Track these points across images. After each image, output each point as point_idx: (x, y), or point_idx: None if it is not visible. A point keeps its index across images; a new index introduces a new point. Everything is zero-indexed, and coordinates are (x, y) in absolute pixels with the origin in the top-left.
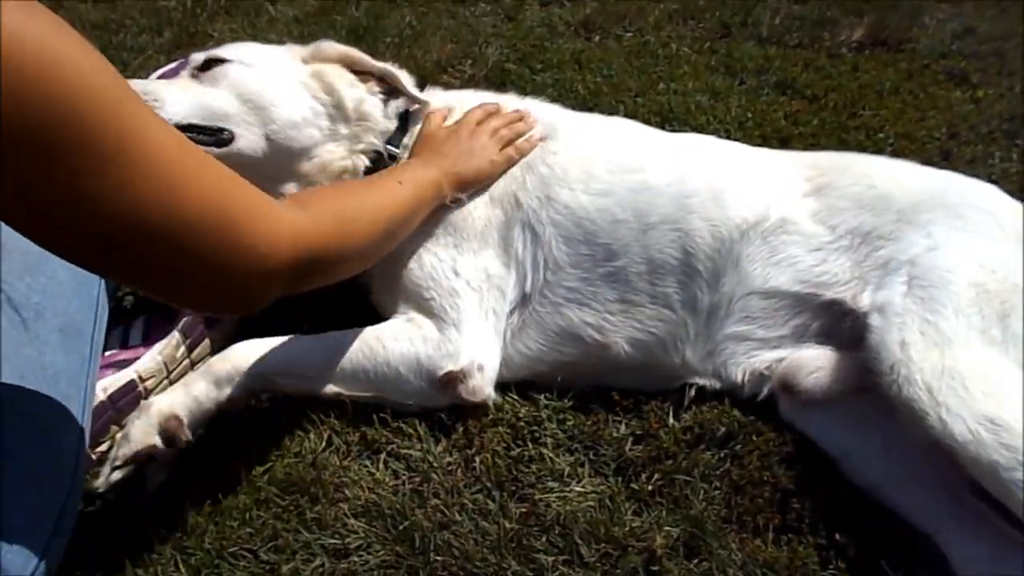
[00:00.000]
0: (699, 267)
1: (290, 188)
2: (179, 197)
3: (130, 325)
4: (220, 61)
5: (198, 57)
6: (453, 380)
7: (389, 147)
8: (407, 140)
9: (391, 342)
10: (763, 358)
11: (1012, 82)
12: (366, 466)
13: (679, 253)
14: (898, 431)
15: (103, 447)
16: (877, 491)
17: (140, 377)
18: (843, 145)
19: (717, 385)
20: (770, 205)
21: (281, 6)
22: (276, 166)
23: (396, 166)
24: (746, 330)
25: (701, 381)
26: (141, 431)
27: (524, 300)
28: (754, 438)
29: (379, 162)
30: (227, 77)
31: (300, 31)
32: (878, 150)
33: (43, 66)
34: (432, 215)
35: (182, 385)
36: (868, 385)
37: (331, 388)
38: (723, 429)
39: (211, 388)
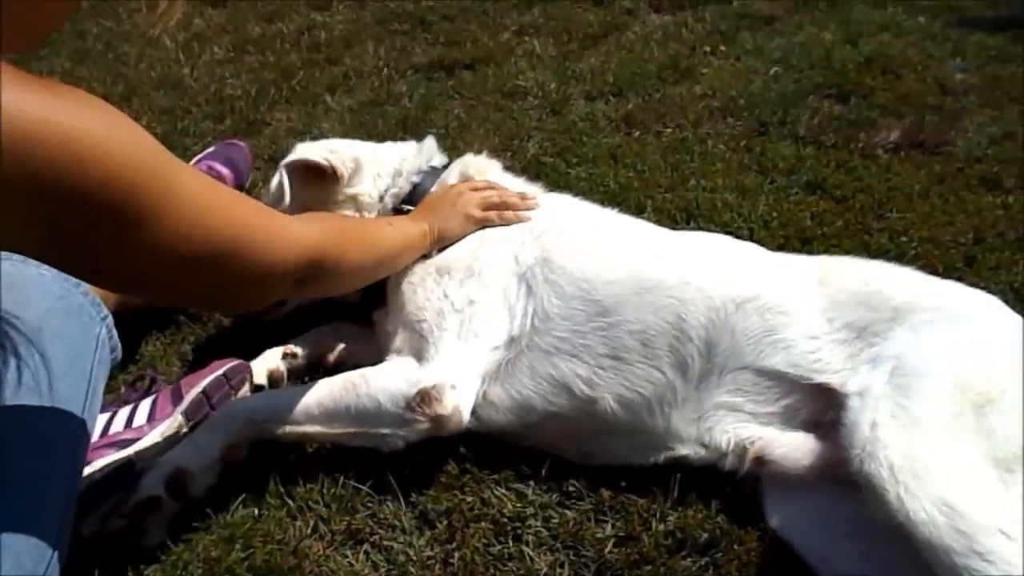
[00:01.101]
0: (692, 334)
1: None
2: (210, 232)
3: (137, 406)
4: None
5: None
6: (426, 398)
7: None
8: None
9: (373, 377)
10: (750, 431)
11: None
12: (347, 556)
13: (672, 318)
14: (880, 543)
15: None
16: None
17: (139, 458)
18: (865, 247)
19: (702, 453)
20: (768, 286)
21: (339, 96)
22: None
23: (388, 217)
24: (736, 402)
25: (685, 450)
26: (150, 483)
27: (513, 342)
28: (735, 547)
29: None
30: None
31: (353, 119)
32: (901, 253)
33: (73, 147)
34: (432, 257)
35: (188, 440)
36: (837, 474)
37: (316, 428)
38: (705, 536)
39: (211, 436)
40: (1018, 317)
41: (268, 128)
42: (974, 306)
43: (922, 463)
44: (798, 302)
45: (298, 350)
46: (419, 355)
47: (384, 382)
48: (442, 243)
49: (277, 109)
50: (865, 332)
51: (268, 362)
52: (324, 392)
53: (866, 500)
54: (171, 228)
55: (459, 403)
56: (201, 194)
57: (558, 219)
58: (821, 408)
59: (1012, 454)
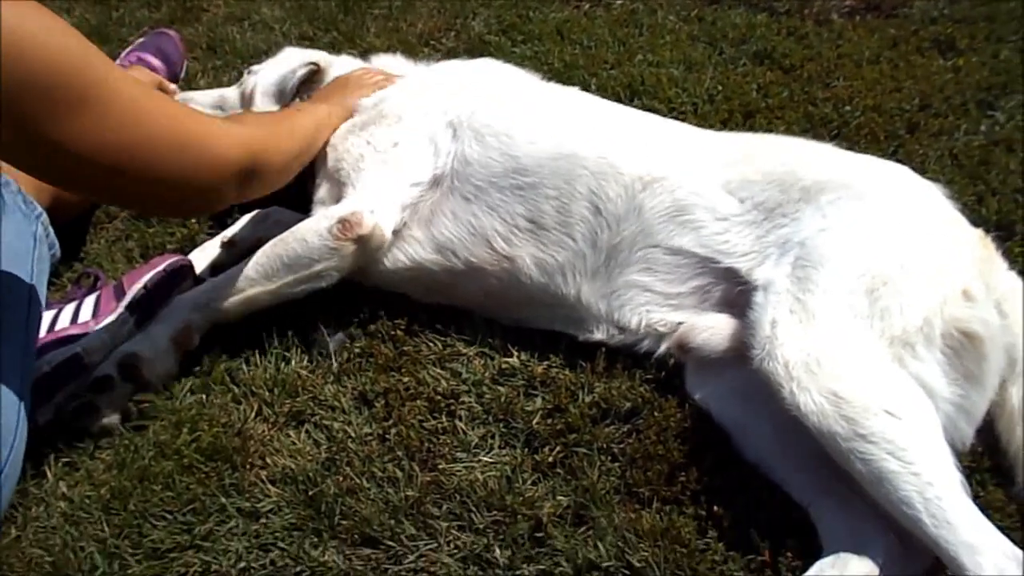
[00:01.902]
0: (601, 207)
1: None
2: (144, 127)
3: (81, 303)
4: None
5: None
6: (346, 224)
7: None
8: None
9: (298, 227)
10: (661, 316)
11: (999, 48)
12: (290, 436)
13: (584, 190)
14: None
15: (44, 416)
16: (763, 464)
17: (85, 351)
18: (809, 118)
19: (617, 336)
20: (681, 167)
21: None
22: None
23: (294, 105)
24: (647, 281)
25: (600, 334)
26: (103, 366)
27: (435, 182)
28: (655, 414)
29: None
30: None
31: (293, 3)
32: (844, 123)
33: (17, 46)
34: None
35: (140, 332)
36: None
37: (257, 289)
38: (628, 404)
39: (163, 326)
40: (929, 185)
41: (205, 15)
42: (883, 181)
43: (815, 357)
44: (710, 183)
45: (236, 237)
46: (339, 198)
47: (308, 224)
48: (347, 114)
49: None
50: (774, 213)
51: (208, 253)
52: (258, 255)
53: (767, 393)
54: (109, 117)
55: (378, 222)
56: (137, 92)
57: (489, 78)
58: (731, 287)
59: (912, 328)
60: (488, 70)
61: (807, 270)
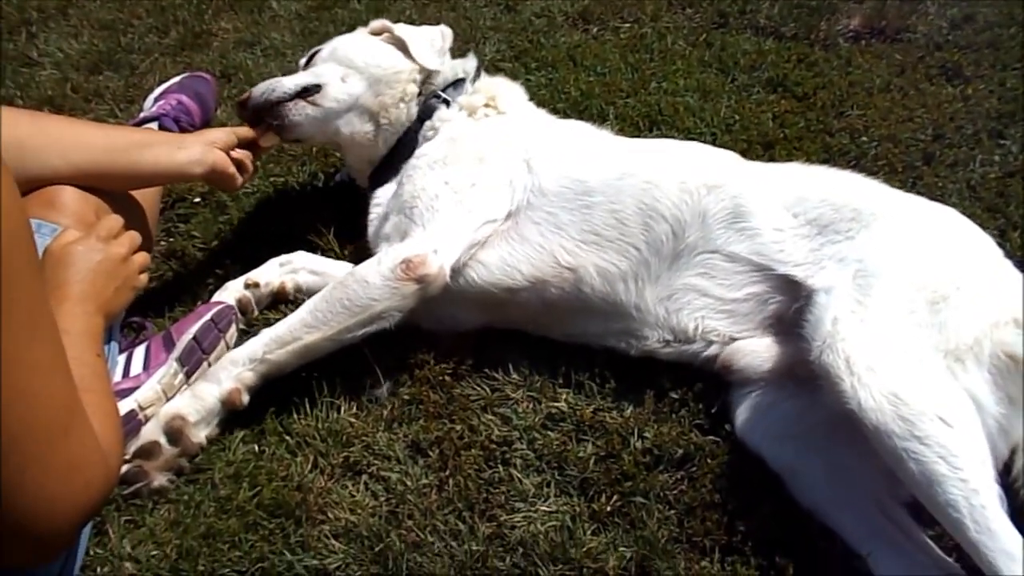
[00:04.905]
0: (666, 214)
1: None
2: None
3: (131, 354)
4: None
5: (302, 61)
6: (410, 264)
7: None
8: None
9: (359, 268)
10: (715, 324)
11: (1004, 76)
12: (347, 487)
13: (648, 199)
14: (840, 452)
15: None
16: (818, 509)
17: (140, 406)
18: (827, 149)
19: (669, 340)
20: (738, 178)
21: (284, 1)
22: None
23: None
24: (705, 285)
25: (654, 338)
26: (149, 430)
27: (510, 215)
28: (708, 461)
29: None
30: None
31: (302, 27)
32: (861, 154)
33: None
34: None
35: (189, 389)
36: (799, 374)
37: (316, 336)
38: (680, 451)
39: (211, 385)
40: (973, 225)
41: (216, 40)
42: (933, 214)
43: (875, 356)
44: (765, 196)
45: (260, 280)
46: (404, 235)
47: (369, 266)
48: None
49: (222, 18)
50: (827, 229)
51: (233, 292)
52: (315, 301)
53: (822, 387)
54: None
55: (442, 263)
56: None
57: (566, 125)
58: (787, 301)
59: (964, 345)
60: (569, 123)
61: (868, 279)
